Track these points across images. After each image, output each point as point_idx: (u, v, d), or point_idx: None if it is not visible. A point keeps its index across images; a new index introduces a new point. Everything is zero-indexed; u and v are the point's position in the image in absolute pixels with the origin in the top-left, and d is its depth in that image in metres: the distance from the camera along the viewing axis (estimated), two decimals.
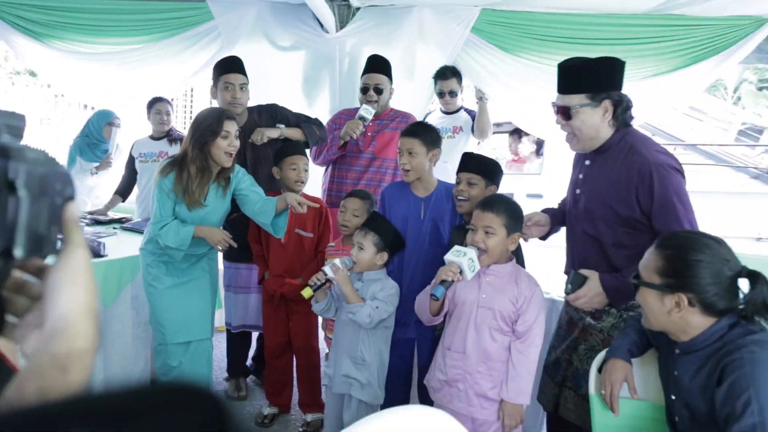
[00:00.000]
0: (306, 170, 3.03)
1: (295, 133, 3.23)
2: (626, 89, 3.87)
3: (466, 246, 2.16)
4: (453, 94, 4.05)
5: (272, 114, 3.32)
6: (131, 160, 4.15)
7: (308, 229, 3.06)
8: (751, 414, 1.44)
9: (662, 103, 4.13)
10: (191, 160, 2.71)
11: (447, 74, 3.94)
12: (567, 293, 2.15)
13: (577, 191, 2.24)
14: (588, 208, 2.18)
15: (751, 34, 3.74)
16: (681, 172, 2.05)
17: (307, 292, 2.43)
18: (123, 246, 3.33)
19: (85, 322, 0.54)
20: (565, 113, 2.10)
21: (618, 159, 2.09)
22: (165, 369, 2.90)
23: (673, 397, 1.74)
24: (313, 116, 3.51)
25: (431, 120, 4.31)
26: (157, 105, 4.08)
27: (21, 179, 0.50)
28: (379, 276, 2.54)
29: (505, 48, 3.95)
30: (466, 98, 4.65)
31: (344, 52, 4.08)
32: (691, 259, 1.59)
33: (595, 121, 2.07)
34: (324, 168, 3.63)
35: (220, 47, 4.12)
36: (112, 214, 4.03)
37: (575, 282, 2.13)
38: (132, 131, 4.45)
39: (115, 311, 3.14)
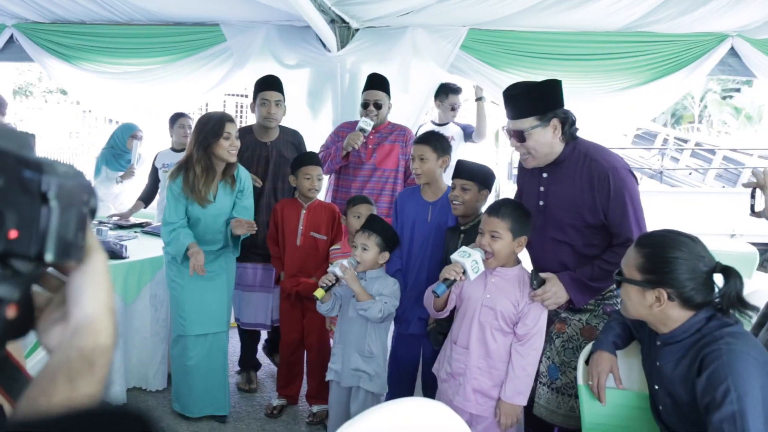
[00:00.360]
0: (320, 179, 3.02)
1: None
2: (603, 101, 3.92)
3: (466, 247, 2.08)
4: (455, 107, 4.16)
5: (296, 145, 3.34)
6: (154, 170, 4.09)
7: (322, 232, 3.02)
8: (731, 402, 1.38)
9: (637, 114, 4.09)
10: (197, 161, 2.68)
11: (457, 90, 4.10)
12: (533, 289, 2.08)
13: (541, 203, 2.17)
14: (556, 217, 2.13)
15: (714, 49, 3.70)
16: (633, 175, 2.06)
17: (320, 293, 2.35)
18: (143, 248, 3.27)
19: (107, 320, 0.56)
20: (518, 136, 2.07)
21: (576, 169, 2.07)
22: (182, 359, 2.83)
23: (656, 387, 1.67)
24: (317, 128, 3.49)
25: (423, 130, 4.27)
26: (180, 120, 4.05)
27: (53, 191, 0.51)
28: (380, 274, 2.50)
29: (493, 63, 3.91)
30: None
31: (345, 68, 4.05)
32: (669, 256, 1.55)
33: (547, 138, 2.05)
34: (328, 176, 3.59)
35: (232, 66, 4.09)
36: (134, 219, 3.98)
37: (537, 281, 2.08)
38: (153, 143, 4.41)
39: (135, 309, 3.08)
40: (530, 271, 2.12)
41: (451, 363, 2.20)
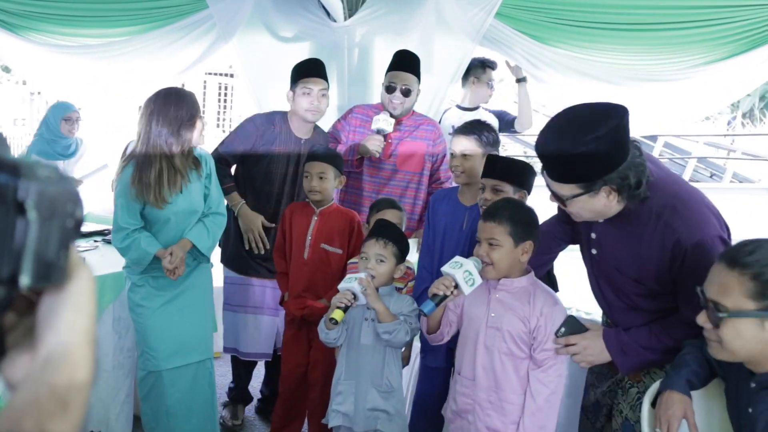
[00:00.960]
0: (321, 178, 2.97)
1: None
2: (674, 80, 3.88)
3: (460, 257, 2.12)
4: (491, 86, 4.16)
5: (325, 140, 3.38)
6: None
7: (336, 244, 2.99)
8: None
9: (715, 97, 4.06)
10: (157, 157, 2.66)
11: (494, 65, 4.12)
12: (557, 336, 2.07)
13: (593, 251, 2.10)
14: (610, 278, 2.08)
15: None
16: (724, 240, 1.88)
17: (339, 314, 2.31)
18: (105, 261, 3.28)
19: (86, 351, 0.55)
20: (558, 199, 1.92)
21: (644, 228, 1.91)
22: (159, 399, 2.83)
23: None
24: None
25: (448, 117, 4.29)
26: None
27: (31, 199, 0.50)
28: (391, 291, 2.50)
29: (535, 36, 3.90)
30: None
31: (353, 42, 4.05)
32: None
33: (597, 206, 1.86)
34: None
35: (215, 39, 4.10)
36: (94, 226, 4.01)
37: (570, 327, 2.06)
38: (120, 133, 4.44)
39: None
40: (568, 316, 2.11)
41: (456, 399, 2.23)
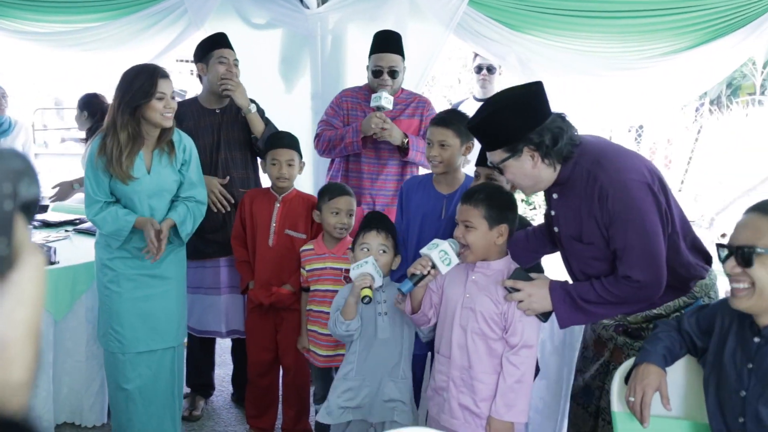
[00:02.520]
0: (290, 165, 2.97)
1: (257, 123, 3.20)
2: (642, 68, 3.92)
3: (438, 239, 2.16)
4: (492, 70, 4.10)
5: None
6: None
7: (300, 230, 2.99)
8: None
9: (682, 87, 4.10)
10: (121, 128, 2.62)
11: None
12: (504, 285, 2.11)
13: (556, 229, 2.20)
14: (572, 249, 2.14)
15: None
16: (648, 186, 1.95)
17: (369, 291, 2.22)
18: (77, 251, 3.25)
19: (25, 347, 0.50)
20: (498, 169, 2.09)
21: (582, 188, 2.02)
22: (118, 381, 2.80)
23: (743, 394, 1.68)
24: (292, 102, 3.48)
25: (464, 109, 4.28)
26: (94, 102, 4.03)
27: None
28: (388, 281, 2.49)
29: (508, 24, 3.90)
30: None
31: (326, 29, 4.03)
32: None
33: (526, 169, 2.02)
34: (329, 160, 3.56)
35: (187, 26, 4.05)
36: (64, 216, 3.95)
37: (517, 276, 2.11)
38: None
39: (67, 326, 3.06)
40: (518, 268, 2.16)
41: (435, 376, 2.28)
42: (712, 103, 14.43)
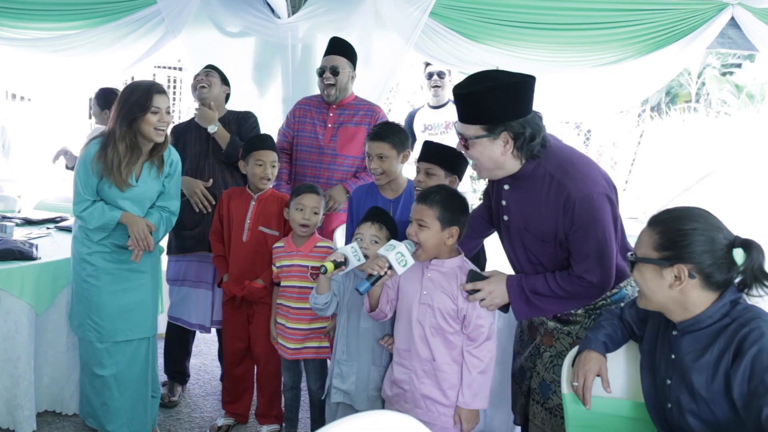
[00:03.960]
0: (274, 166, 2.96)
1: (222, 136, 3.20)
2: (591, 76, 3.99)
3: (394, 240, 2.16)
4: (442, 75, 4.13)
5: (239, 123, 3.31)
6: None
7: (273, 227, 2.97)
8: None
9: (627, 93, 4.18)
10: (120, 138, 2.61)
11: None
12: (463, 287, 2.12)
13: (505, 218, 2.17)
14: (521, 238, 2.13)
15: (713, 19, 3.82)
16: (608, 197, 1.96)
17: (330, 266, 2.23)
18: (58, 247, 3.19)
19: None
20: (463, 142, 2.00)
21: (542, 190, 1.99)
22: (92, 368, 2.76)
23: (669, 382, 1.72)
24: (264, 106, 3.47)
25: (420, 116, 4.32)
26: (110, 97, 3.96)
27: None
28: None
29: (467, 35, 3.94)
30: None
31: (297, 38, 4.02)
32: (686, 228, 1.61)
33: (495, 153, 1.95)
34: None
35: (164, 33, 4.02)
36: (46, 214, 3.88)
37: (473, 277, 2.12)
38: (69, 126, 4.31)
39: (48, 319, 3.00)
40: (471, 271, 2.16)
41: (394, 369, 2.27)
42: (652, 109, 14.73)
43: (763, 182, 7.71)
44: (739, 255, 1.60)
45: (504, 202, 2.14)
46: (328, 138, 3.31)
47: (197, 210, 3.18)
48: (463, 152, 2.08)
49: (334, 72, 3.27)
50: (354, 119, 3.32)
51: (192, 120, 3.34)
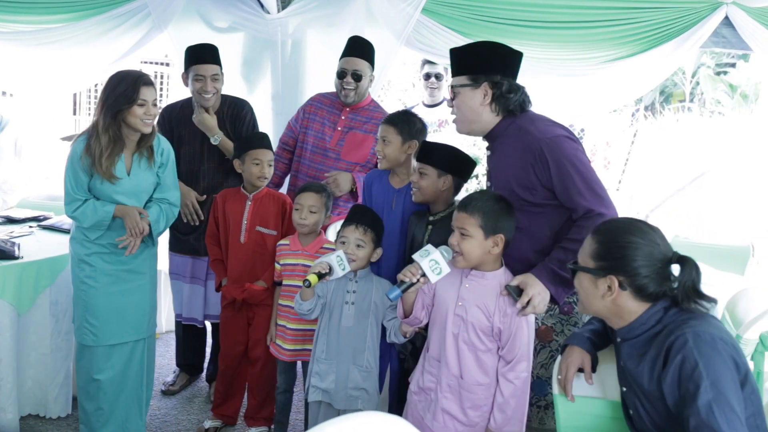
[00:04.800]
0: (270, 165, 2.96)
1: (226, 146, 3.19)
2: (584, 75, 4.01)
3: (431, 246, 2.09)
4: (439, 77, 4.16)
5: (236, 114, 3.29)
6: None
7: (270, 226, 2.96)
8: (706, 390, 1.48)
9: (621, 92, 4.21)
10: (103, 130, 2.59)
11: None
12: (516, 302, 2.07)
13: (488, 184, 2.32)
14: None
15: (706, 18, 3.84)
16: (573, 139, 2.13)
17: (314, 278, 2.26)
18: (41, 246, 3.17)
19: None
20: (452, 93, 2.27)
21: (510, 143, 2.19)
22: (89, 373, 2.74)
23: (624, 389, 1.78)
24: (254, 102, 3.45)
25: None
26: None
27: None
28: (367, 273, 2.51)
29: (461, 31, 3.94)
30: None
31: (286, 34, 4.01)
32: (623, 241, 1.68)
33: (475, 103, 2.21)
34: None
35: (150, 28, 3.99)
36: (28, 212, 3.85)
37: (515, 291, 2.07)
38: (53, 122, 4.27)
39: (31, 319, 2.98)
40: (505, 286, 2.09)
41: (423, 374, 2.23)
42: (646, 108, 14.81)
43: (756, 182, 7.77)
44: (675, 270, 1.66)
45: (487, 168, 2.32)
46: (335, 141, 3.30)
47: (185, 221, 3.21)
48: (452, 106, 2.30)
49: (357, 77, 3.24)
50: (365, 126, 3.30)
51: (187, 108, 3.29)
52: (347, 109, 3.32)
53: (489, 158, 2.31)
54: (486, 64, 2.20)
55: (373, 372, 2.47)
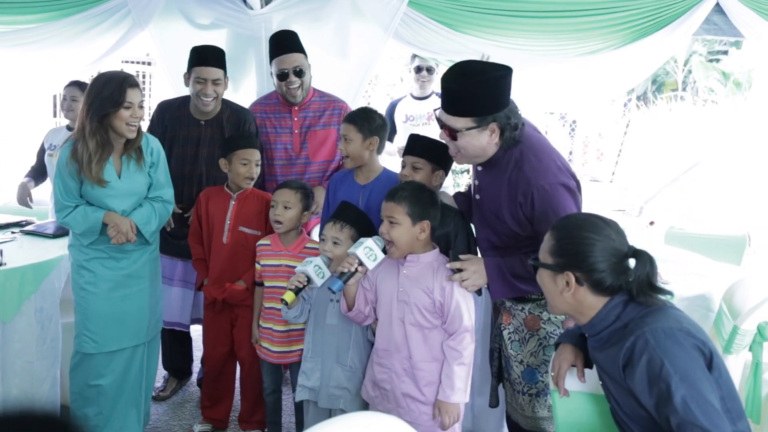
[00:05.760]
0: (258, 165, 2.97)
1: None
2: (575, 65, 4.03)
3: (364, 238, 2.23)
4: (431, 70, 4.20)
5: (238, 124, 3.25)
6: (42, 151, 3.99)
7: (253, 226, 2.96)
8: (677, 387, 1.51)
9: (614, 82, 4.22)
10: (90, 134, 2.57)
11: None
12: (448, 266, 2.22)
13: (477, 197, 2.33)
14: (485, 217, 2.29)
15: (698, 5, 3.86)
16: (567, 187, 2.11)
17: (290, 296, 2.33)
18: (24, 252, 3.14)
19: None
20: (450, 133, 2.13)
21: (505, 173, 2.16)
22: (87, 379, 2.75)
23: (601, 383, 1.82)
24: (238, 101, 3.45)
25: (402, 107, 4.34)
26: (65, 90, 3.91)
27: None
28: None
29: (449, 24, 3.95)
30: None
31: (271, 30, 3.97)
32: (579, 237, 1.72)
33: (482, 142, 2.12)
34: None
35: (131, 26, 3.97)
36: (11, 218, 3.82)
37: (454, 260, 2.22)
38: (31, 124, 4.25)
39: (15, 327, 2.96)
40: (450, 253, 2.25)
41: (374, 369, 2.32)
42: (639, 98, 14.88)
43: (751, 170, 7.82)
44: (631, 264, 1.70)
45: (477, 182, 2.31)
46: (298, 146, 3.29)
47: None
48: (446, 141, 2.19)
49: (299, 73, 3.21)
50: (321, 121, 3.30)
51: (183, 106, 3.27)
52: (296, 108, 3.29)
53: (481, 174, 2.29)
54: (491, 105, 2.07)
55: (357, 372, 2.50)
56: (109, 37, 4.02)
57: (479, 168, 2.29)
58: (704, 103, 13.95)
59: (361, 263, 2.18)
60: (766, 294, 2.59)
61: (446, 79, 2.11)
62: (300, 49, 3.26)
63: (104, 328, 2.72)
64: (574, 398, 1.95)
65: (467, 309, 2.22)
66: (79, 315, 2.76)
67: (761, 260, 4.46)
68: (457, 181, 4.62)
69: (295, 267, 2.70)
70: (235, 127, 3.24)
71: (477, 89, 2.05)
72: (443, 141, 2.23)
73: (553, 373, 1.97)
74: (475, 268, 2.20)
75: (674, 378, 1.51)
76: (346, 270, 2.18)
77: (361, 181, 2.76)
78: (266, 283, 2.81)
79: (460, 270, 2.21)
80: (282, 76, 3.22)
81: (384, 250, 2.23)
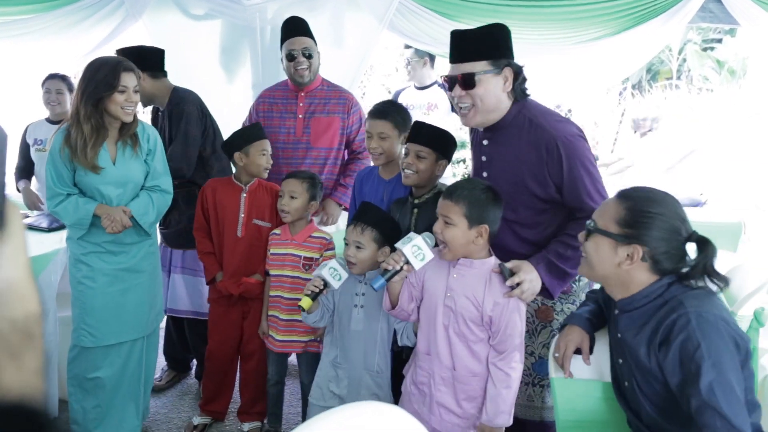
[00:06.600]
0: (263, 155, 2.91)
1: None
2: (572, 53, 4.03)
3: (413, 233, 2.08)
4: (433, 57, 4.23)
5: (172, 117, 3.18)
6: (25, 147, 3.94)
7: (266, 219, 2.91)
8: (707, 371, 1.50)
9: (609, 71, 4.23)
10: (84, 119, 2.55)
11: None
12: (505, 280, 2.07)
13: (484, 174, 2.26)
14: (504, 191, 2.15)
15: None
16: (584, 138, 2.15)
17: (306, 303, 2.24)
18: None
19: (31, 284, 0.57)
20: (467, 81, 2.10)
21: (521, 135, 2.14)
22: (84, 373, 2.74)
23: (621, 361, 1.79)
24: (233, 92, 3.44)
25: (404, 96, 4.34)
26: (47, 83, 3.86)
27: None
28: (372, 276, 2.37)
29: (444, 13, 3.94)
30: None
31: (266, 20, 3.99)
32: (653, 211, 1.66)
33: (497, 90, 2.12)
34: None
35: (124, 17, 3.97)
36: None
37: (508, 271, 2.07)
38: (24, 115, 4.23)
39: None
40: (499, 264, 2.09)
41: (416, 370, 2.21)
42: (634, 87, 14.88)
43: (747, 158, 7.85)
44: (693, 250, 1.66)
45: (484, 158, 2.27)
46: (301, 130, 3.28)
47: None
48: (459, 97, 2.14)
49: (307, 55, 3.22)
50: (326, 108, 3.29)
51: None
52: (302, 94, 3.29)
53: (488, 147, 2.24)
54: (506, 48, 2.13)
55: (383, 374, 2.43)
56: (103, 28, 4.02)
57: (485, 142, 2.26)
58: (699, 91, 13.97)
59: (407, 261, 2.02)
60: (761, 280, 2.61)
61: (459, 31, 2.17)
62: (310, 34, 3.28)
63: (102, 322, 2.71)
64: (575, 384, 1.94)
65: (522, 327, 2.07)
66: (76, 309, 2.75)
67: (757, 247, 4.49)
68: (454, 171, 4.63)
69: (300, 255, 2.70)
70: (170, 121, 3.18)
71: (494, 30, 2.14)
72: (455, 100, 2.19)
73: (557, 354, 1.93)
74: (530, 276, 2.06)
75: (706, 362, 1.50)
76: (390, 268, 2.02)
77: (385, 176, 2.70)
78: (272, 272, 2.78)
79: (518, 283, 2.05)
80: (291, 57, 3.23)
81: (434, 247, 2.08)
